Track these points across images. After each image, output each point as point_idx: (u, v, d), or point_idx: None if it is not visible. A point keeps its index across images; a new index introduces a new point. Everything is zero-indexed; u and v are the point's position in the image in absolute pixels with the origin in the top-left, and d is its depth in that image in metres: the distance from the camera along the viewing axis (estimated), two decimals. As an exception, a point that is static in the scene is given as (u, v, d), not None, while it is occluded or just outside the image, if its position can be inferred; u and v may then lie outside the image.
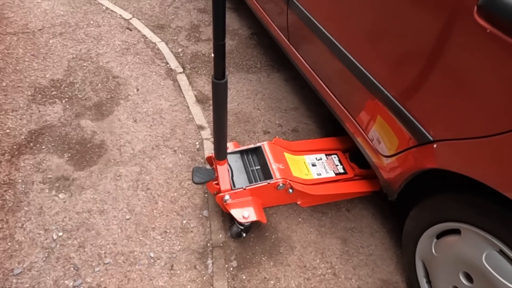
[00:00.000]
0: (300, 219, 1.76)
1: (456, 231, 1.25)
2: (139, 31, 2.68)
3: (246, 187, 1.59)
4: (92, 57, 2.43)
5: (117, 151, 1.93)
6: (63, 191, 1.73)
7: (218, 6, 1.06)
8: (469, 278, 1.21)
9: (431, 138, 1.18)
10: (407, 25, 1.20)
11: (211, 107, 1.61)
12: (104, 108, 2.13)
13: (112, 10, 2.83)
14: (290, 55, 2.07)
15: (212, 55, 1.23)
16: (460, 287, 1.23)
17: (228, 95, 2.31)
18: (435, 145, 1.18)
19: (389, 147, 1.42)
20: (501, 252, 1.08)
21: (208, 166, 1.86)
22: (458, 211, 1.22)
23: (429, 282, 1.42)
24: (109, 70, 2.35)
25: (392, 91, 1.32)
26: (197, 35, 2.75)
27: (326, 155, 1.88)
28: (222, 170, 1.60)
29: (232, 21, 2.92)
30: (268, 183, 1.61)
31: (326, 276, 1.56)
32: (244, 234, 1.64)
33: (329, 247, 1.67)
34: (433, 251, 1.34)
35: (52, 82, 2.24)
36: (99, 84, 2.26)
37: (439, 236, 1.33)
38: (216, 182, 1.60)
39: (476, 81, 1.00)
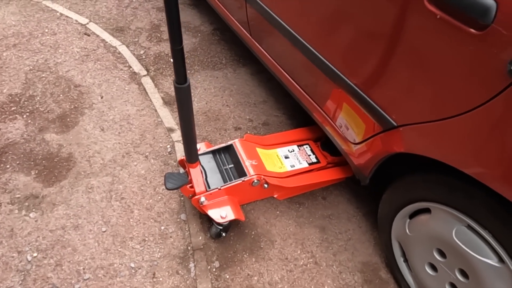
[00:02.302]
0: (278, 212, 1.78)
1: (427, 210, 1.30)
2: (97, 35, 2.60)
3: (221, 187, 1.58)
4: (50, 67, 2.34)
5: (86, 162, 1.88)
6: (33, 210, 1.68)
7: (171, 10, 1.04)
8: (442, 253, 1.26)
9: (395, 123, 1.21)
10: (361, 13, 1.21)
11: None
12: (68, 119, 2.07)
13: (67, 16, 2.73)
14: (254, 50, 2.06)
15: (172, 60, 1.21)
16: (435, 263, 1.28)
17: (196, 94, 2.29)
18: (400, 130, 1.21)
19: (357, 132, 1.45)
20: (469, 227, 1.12)
21: (181, 170, 1.85)
22: (426, 191, 1.26)
23: (406, 260, 1.47)
24: (70, 79, 2.28)
25: (353, 79, 1.34)
26: (159, 35, 2.69)
27: (298, 146, 1.90)
28: (195, 173, 1.59)
29: (193, 17, 2.87)
30: (243, 181, 1.61)
31: (308, 265, 1.59)
32: (223, 234, 1.64)
33: (308, 237, 1.69)
34: (407, 231, 1.38)
35: (10, 97, 2.16)
36: (61, 95, 2.18)
37: (412, 216, 1.38)
38: (190, 185, 1.59)
39: (432, 65, 1.03)
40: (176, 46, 1.13)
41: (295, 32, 1.58)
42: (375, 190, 1.62)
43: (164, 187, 1.79)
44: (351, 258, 1.64)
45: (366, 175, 1.50)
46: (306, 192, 1.84)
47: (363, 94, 1.31)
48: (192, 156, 1.52)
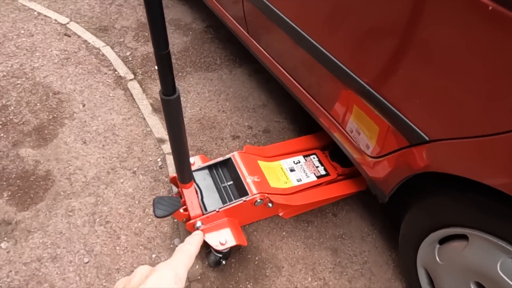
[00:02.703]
0: (284, 233, 1.58)
1: (463, 236, 1.11)
2: (79, 36, 2.37)
3: (220, 209, 1.38)
4: (26, 72, 2.12)
5: (66, 181, 1.67)
6: (5, 238, 1.47)
7: (153, 7, 0.83)
8: (482, 287, 1.07)
9: (426, 138, 1.01)
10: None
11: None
12: (46, 131, 1.85)
13: (45, 16, 2.49)
14: (251, 48, 1.85)
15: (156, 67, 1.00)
16: (473, 299, 1.09)
17: (188, 99, 2.08)
18: (432, 145, 1.01)
19: (369, 135, 1.26)
20: (520, 261, 0.93)
21: (174, 188, 1.64)
22: (462, 215, 1.07)
23: (434, 290, 1.29)
24: (48, 86, 2.05)
25: (370, 82, 1.13)
26: (146, 34, 2.47)
27: (304, 156, 1.70)
28: (189, 194, 1.38)
29: (183, 14, 2.65)
30: (244, 201, 1.41)
31: (321, 296, 1.39)
32: (223, 262, 1.44)
33: (319, 261, 1.50)
34: (437, 258, 1.19)
35: (-19, 108, 1.93)
36: (38, 104, 1.96)
37: (442, 241, 1.19)
38: (184, 207, 1.39)
39: (480, 67, 0.83)
40: (161, 50, 0.92)
41: (298, 26, 1.38)
42: (391, 203, 1.43)
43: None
44: (369, 284, 1.45)
45: (386, 193, 1.31)
46: (315, 208, 1.65)
47: (395, 110, 1.10)
48: (185, 175, 1.32)
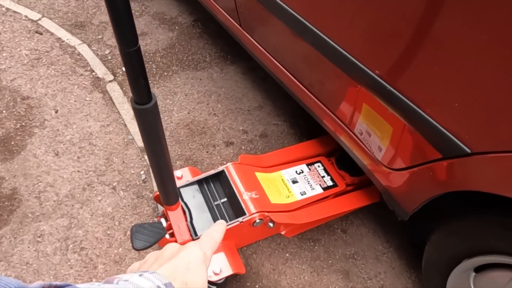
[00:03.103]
0: (287, 255, 1.38)
1: (506, 265, 0.92)
2: (52, 33, 2.13)
3: (212, 232, 1.17)
4: (-9, 75, 1.89)
5: (35, 200, 1.45)
6: (-39, 272, 1.25)
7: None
8: (531, 328, 0.88)
9: (468, 150, 0.81)
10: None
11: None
12: (12, 142, 1.62)
13: (14, 11, 2.25)
14: (244, 43, 1.64)
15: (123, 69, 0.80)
16: None
17: (175, 102, 1.86)
18: (475, 159, 0.81)
19: (381, 136, 1.07)
20: None
21: (159, 206, 1.43)
22: (508, 242, 0.87)
23: (468, 324, 1.09)
24: (15, 90, 1.82)
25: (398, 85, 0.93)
26: (128, 30, 2.24)
27: (308, 165, 1.49)
28: (175, 216, 1.17)
29: (168, 7, 2.42)
30: (241, 222, 1.20)
31: (333, 331, 1.20)
32: (218, 293, 1.23)
33: (329, 287, 1.30)
34: (473, 289, 1.00)
35: None
36: (4, 111, 1.73)
37: (479, 268, 0.99)
38: (170, 231, 1.18)
39: None
40: (128, 47, 0.71)
41: (300, 15, 1.18)
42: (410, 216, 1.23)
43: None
44: (387, 313, 1.25)
45: (407, 212, 1.11)
46: (321, 224, 1.45)
47: (424, 114, 0.90)
48: (169, 197, 1.11)
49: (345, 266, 1.36)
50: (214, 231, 0.52)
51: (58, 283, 0.32)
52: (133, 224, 1.09)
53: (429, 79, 0.84)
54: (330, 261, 1.37)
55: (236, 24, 1.61)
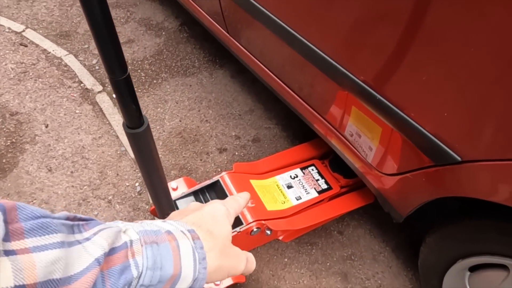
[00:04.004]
0: (286, 260, 1.39)
1: (500, 264, 0.94)
2: (37, 45, 2.10)
3: (210, 244, 1.18)
4: (-22, 92, 1.86)
5: (30, 218, 1.44)
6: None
7: (99, 22, 0.61)
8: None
9: (458, 158, 0.82)
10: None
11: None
12: (4, 160, 1.61)
13: (-3, 24, 2.21)
14: (233, 49, 1.63)
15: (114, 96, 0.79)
16: (517, 338, 0.93)
17: (167, 110, 1.85)
18: (466, 167, 0.82)
19: (371, 137, 1.08)
20: None
21: (157, 219, 1.43)
22: (503, 244, 0.89)
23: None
24: (3, 106, 1.80)
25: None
26: (114, 37, 2.21)
27: (302, 169, 1.50)
28: (173, 231, 1.18)
29: (154, 12, 2.40)
30: (238, 232, 1.21)
31: (334, 334, 1.22)
32: (220, 303, 1.24)
33: (328, 290, 1.32)
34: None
35: None
36: (-7, 128, 1.71)
37: (474, 267, 1.02)
38: (168, 245, 1.18)
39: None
40: (117, 76, 0.70)
41: (282, 22, 1.18)
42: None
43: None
44: (386, 313, 1.28)
45: (402, 215, 1.13)
46: (318, 227, 1.46)
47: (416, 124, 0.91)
48: (165, 211, 1.11)
49: (343, 268, 1.38)
50: (238, 196, 0.52)
51: (82, 216, 0.32)
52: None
53: (418, 89, 0.85)
54: (328, 264, 1.39)
55: (224, 31, 1.60)
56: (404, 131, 0.93)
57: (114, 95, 0.86)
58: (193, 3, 1.75)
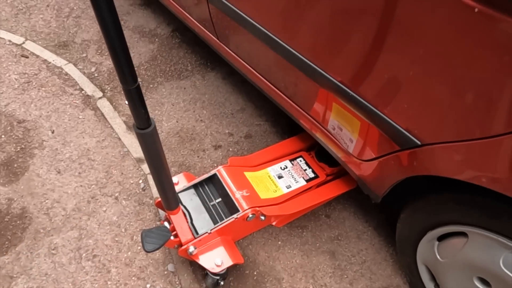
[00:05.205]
0: (279, 243, 1.54)
1: (462, 232, 1.10)
2: (37, 56, 2.23)
3: (211, 230, 1.33)
4: (-15, 102, 1.98)
5: (45, 216, 1.57)
6: (-14, 289, 1.38)
7: (115, 40, 0.75)
8: (485, 282, 1.06)
9: (418, 142, 0.98)
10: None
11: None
12: (15, 165, 1.73)
13: (-2, 37, 2.33)
14: (223, 53, 1.77)
15: (126, 102, 0.92)
16: (477, 293, 1.09)
17: (164, 112, 1.99)
18: (426, 149, 0.98)
19: (351, 130, 1.23)
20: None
21: (161, 211, 1.58)
22: (460, 213, 1.05)
23: (437, 285, 1.28)
24: (10, 114, 1.92)
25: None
26: (110, 45, 2.34)
27: (291, 160, 1.65)
28: (177, 219, 1.32)
29: (146, 20, 2.53)
30: (236, 218, 1.36)
31: (325, 304, 1.37)
32: (222, 282, 1.39)
33: (318, 267, 1.47)
34: (437, 256, 1.18)
35: None
36: (2, 136, 1.83)
37: (441, 237, 1.17)
38: (174, 232, 1.33)
39: (466, 70, 0.80)
40: (129, 85, 0.84)
41: (264, 28, 1.33)
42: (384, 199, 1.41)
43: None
44: (370, 284, 1.43)
45: (378, 195, 1.28)
46: (307, 212, 1.61)
47: (382, 115, 1.06)
48: (171, 202, 1.26)
49: (331, 247, 1.53)
50: None
51: None
52: (141, 230, 1.23)
53: (382, 85, 1.00)
54: (317, 244, 1.54)
55: (214, 38, 1.74)
56: (375, 122, 1.08)
57: (125, 101, 0.99)
58: (184, 12, 1.89)
